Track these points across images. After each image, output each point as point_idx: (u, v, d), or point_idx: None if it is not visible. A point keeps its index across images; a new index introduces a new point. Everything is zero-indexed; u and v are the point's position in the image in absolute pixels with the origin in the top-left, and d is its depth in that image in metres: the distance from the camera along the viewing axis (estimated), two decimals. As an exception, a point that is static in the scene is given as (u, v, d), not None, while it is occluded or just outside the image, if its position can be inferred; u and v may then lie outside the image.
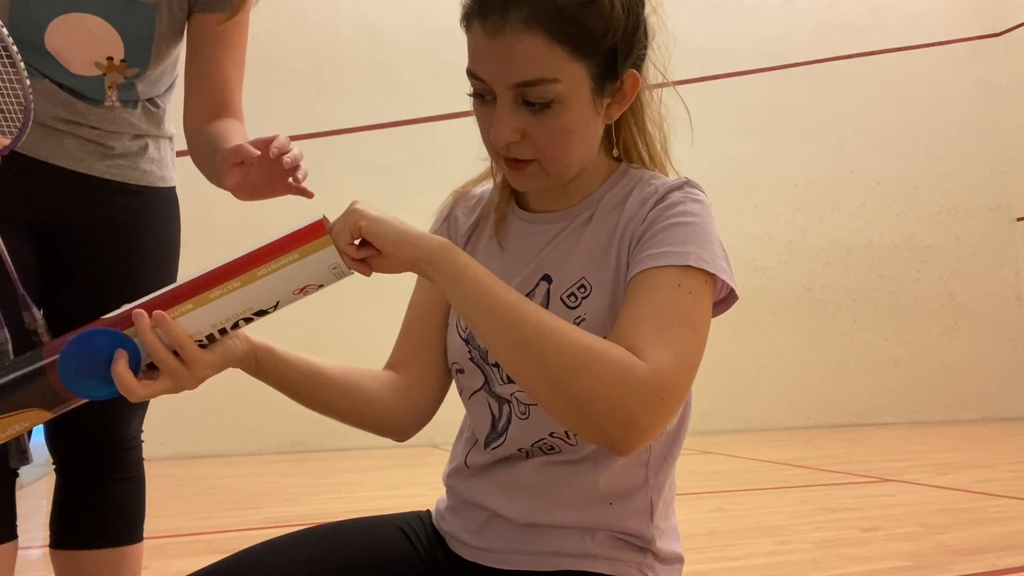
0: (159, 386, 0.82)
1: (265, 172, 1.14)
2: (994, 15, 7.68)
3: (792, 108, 7.04)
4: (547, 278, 0.98)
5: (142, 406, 1.46)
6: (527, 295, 0.97)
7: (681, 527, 1.04)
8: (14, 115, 1.11)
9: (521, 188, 0.99)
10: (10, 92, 1.11)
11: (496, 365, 0.99)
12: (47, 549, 1.47)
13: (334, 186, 5.93)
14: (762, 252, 6.80)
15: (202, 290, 0.80)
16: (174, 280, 1.47)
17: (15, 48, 1.09)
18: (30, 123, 1.11)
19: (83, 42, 1.30)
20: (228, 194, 1.21)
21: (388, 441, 1.08)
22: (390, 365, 1.07)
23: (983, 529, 2.84)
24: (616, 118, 0.97)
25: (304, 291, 0.83)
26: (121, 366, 0.80)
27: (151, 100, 1.42)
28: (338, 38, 6.11)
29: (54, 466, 1.46)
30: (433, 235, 0.85)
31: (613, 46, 0.89)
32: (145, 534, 1.50)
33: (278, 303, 0.83)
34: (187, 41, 1.41)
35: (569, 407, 0.81)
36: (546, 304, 0.97)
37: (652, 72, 0.99)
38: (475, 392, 1.02)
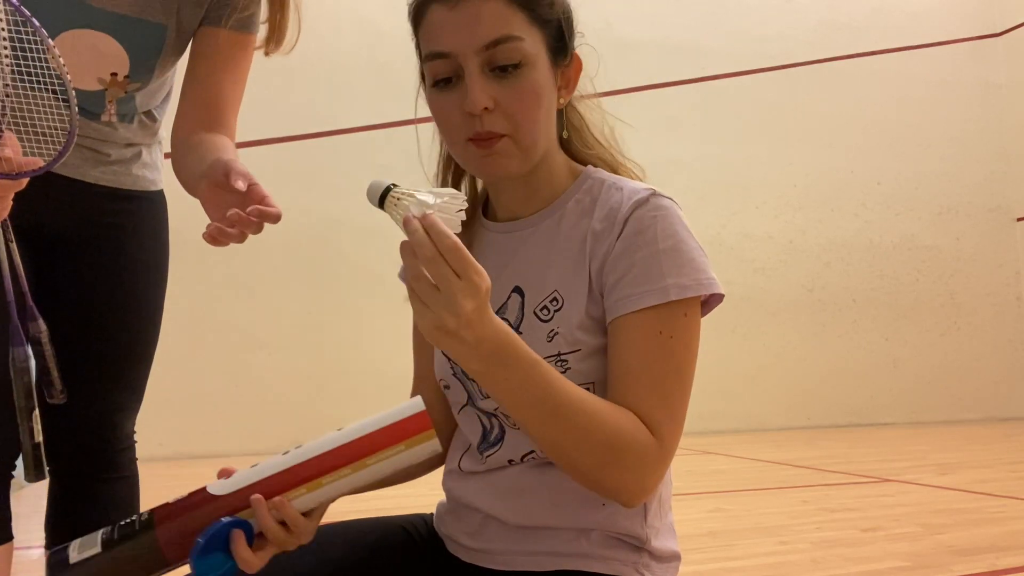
0: (268, 553, 0.84)
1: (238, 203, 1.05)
2: (994, 15, 7.68)
3: (792, 108, 7.04)
4: (519, 290, 0.98)
5: (135, 407, 1.46)
6: (499, 308, 0.98)
7: (681, 527, 1.04)
8: (57, 139, 1.10)
9: (491, 172, 0.97)
10: (56, 118, 1.09)
11: (476, 380, 0.98)
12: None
13: (334, 186, 5.98)
14: (762, 252, 6.79)
15: (315, 476, 0.84)
16: (164, 281, 1.46)
17: (69, 77, 1.08)
18: (71, 148, 1.09)
19: (88, 58, 1.29)
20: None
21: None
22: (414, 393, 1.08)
23: (983, 529, 2.84)
24: (565, 103, 1.00)
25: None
26: (242, 546, 0.82)
27: (148, 113, 1.42)
28: (338, 38, 6.10)
29: (48, 467, 1.45)
30: (489, 345, 0.80)
31: (560, 21, 0.96)
32: (144, 534, 1.49)
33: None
34: (190, 52, 1.38)
35: (594, 487, 0.90)
36: (520, 317, 0.97)
37: (585, 85, 1.03)
38: (463, 407, 1.02)
